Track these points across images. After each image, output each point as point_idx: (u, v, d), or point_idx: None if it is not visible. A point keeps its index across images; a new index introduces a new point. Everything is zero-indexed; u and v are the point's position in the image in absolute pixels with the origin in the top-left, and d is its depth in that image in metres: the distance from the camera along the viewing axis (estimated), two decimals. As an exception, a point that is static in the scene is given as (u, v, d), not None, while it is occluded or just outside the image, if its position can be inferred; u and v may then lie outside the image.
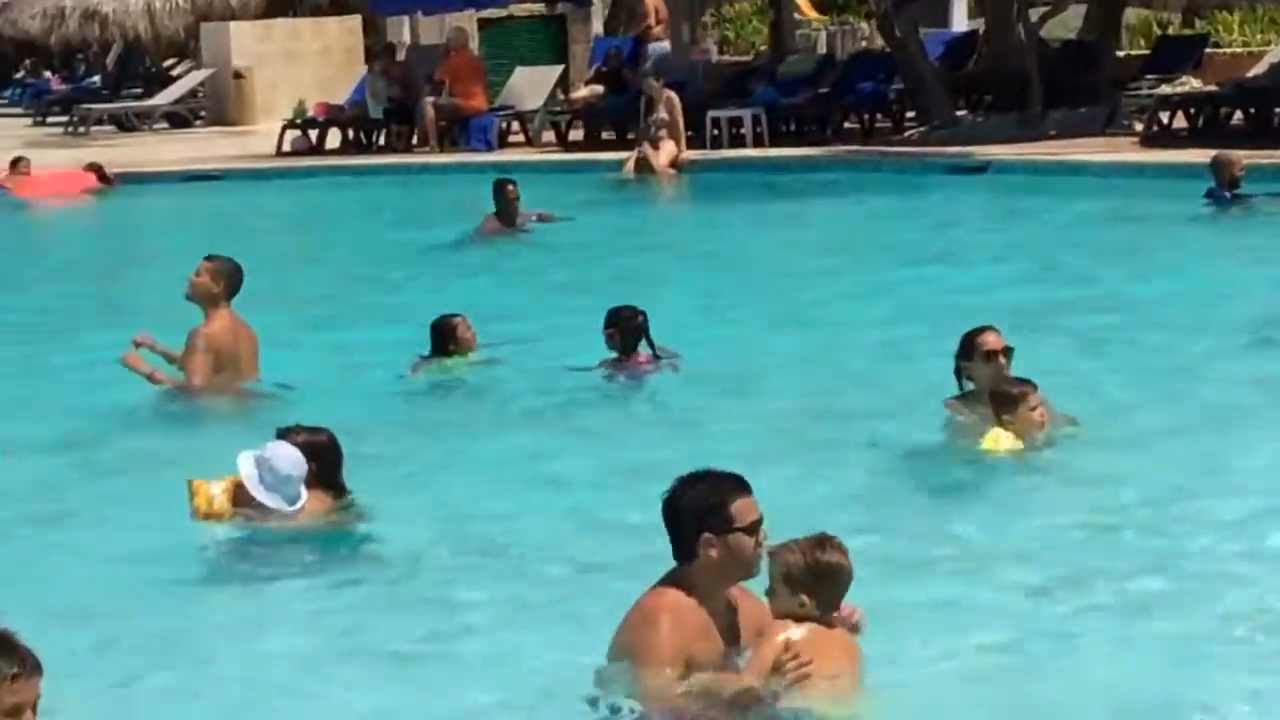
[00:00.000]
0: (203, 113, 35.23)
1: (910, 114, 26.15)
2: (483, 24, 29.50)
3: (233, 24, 35.53)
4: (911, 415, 9.96)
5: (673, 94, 23.63)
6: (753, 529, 5.54)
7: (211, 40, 35.25)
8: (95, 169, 24.28)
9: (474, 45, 28.28)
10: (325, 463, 8.29)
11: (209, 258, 11.19)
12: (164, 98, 35.74)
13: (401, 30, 32.63)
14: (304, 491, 8.20)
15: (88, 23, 37.88)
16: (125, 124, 34.91)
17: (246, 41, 34.58)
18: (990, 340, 9.41)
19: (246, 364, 11.16)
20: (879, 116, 26.40)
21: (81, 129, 34.37)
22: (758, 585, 5.82)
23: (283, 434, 8.33)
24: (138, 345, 11.10)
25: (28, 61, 50.58)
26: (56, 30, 38.63)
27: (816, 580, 5.76)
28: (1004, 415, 9.07)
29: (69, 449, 10.26)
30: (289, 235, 21.59)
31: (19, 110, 42.39)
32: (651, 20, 30.99)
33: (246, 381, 11.14)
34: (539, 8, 31.45)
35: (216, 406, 11.01)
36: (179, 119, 35.18)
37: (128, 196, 23.97)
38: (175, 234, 20.52)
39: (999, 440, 9.08)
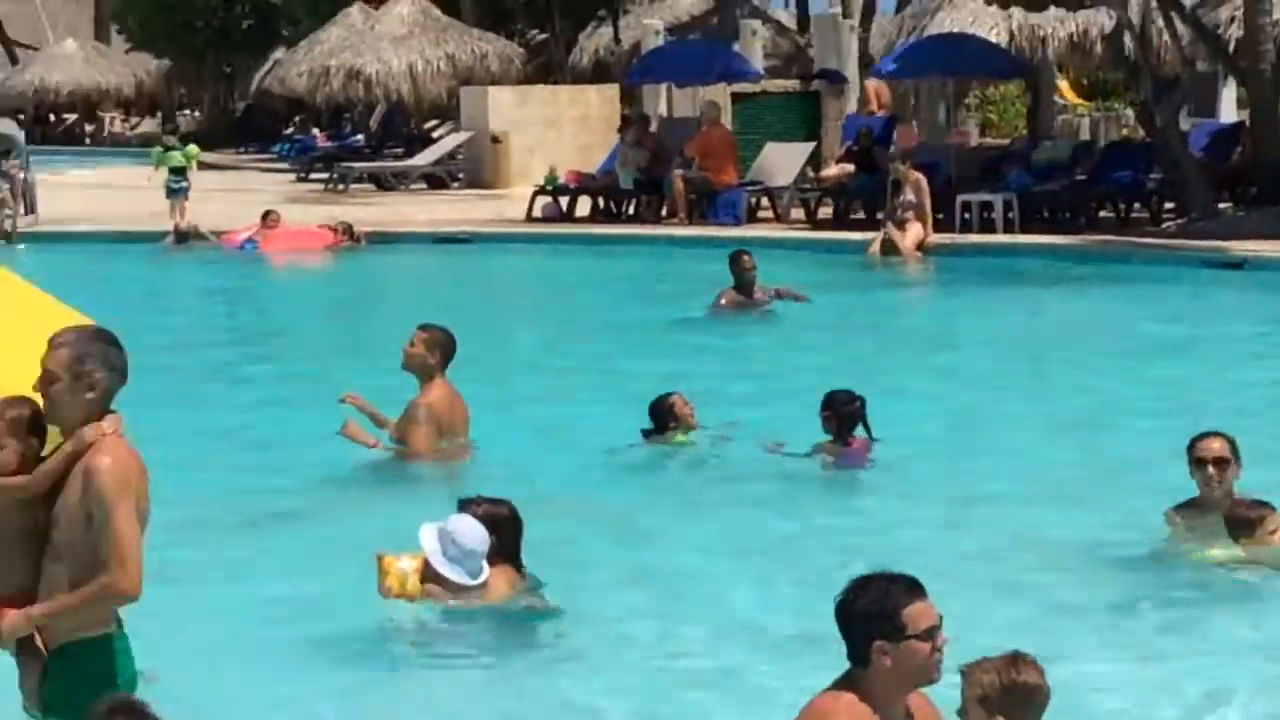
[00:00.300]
0: (460, 174, 35.67)
1: (1169, 205, 25.50)
2: (736, 98, 29.42)
3: (492, 89, 36.00)
4: (1141, 520, 9.53)
5: (920, 176, 23.31)
6: (928, 635, 5.26)
7: (471, 104, 35.73)
8: (344, 227, 24.65)
9: (726, 119, 28.20)
10: (506, 535, 8.17)
11: (423, 327, 11.12)
12: (422, 158, 36.28)
13: (657, 101, 32.71)
14: (486, 566, 8.08)
15: (351, 83, 38.67)
16: (384, 183, 35.49)
17: (505, 106, 34.97)
18: (1204, 448, 8.96)
19: (460, 433, 11.14)
20: (1136, 206, 25.77)
21: (341, 186, 35.01)
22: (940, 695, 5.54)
23: (464, 505, 8.22)
24: (345, 401, 11.13)
25: (298, 118, 51.91)
26: (321, 89, 39.51)
27: (1013, 702, 5.48)
28: (1241, 538, 8.65)
29: (277, 513, 10.27)
30: (527, 301, 21.64)
31: (285, 166, 43.34)
32: (873, 105, 30.75)
33: (459, 450, 11.11)
34: (793, 84, 31.32)
35: (430, 474, 10.96)
36: (436, 180, 35.68)
37: (372, 254, 24.28)
38: (412, 294, 20.72)
39: (1230, 553, 8.67)
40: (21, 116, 50.01)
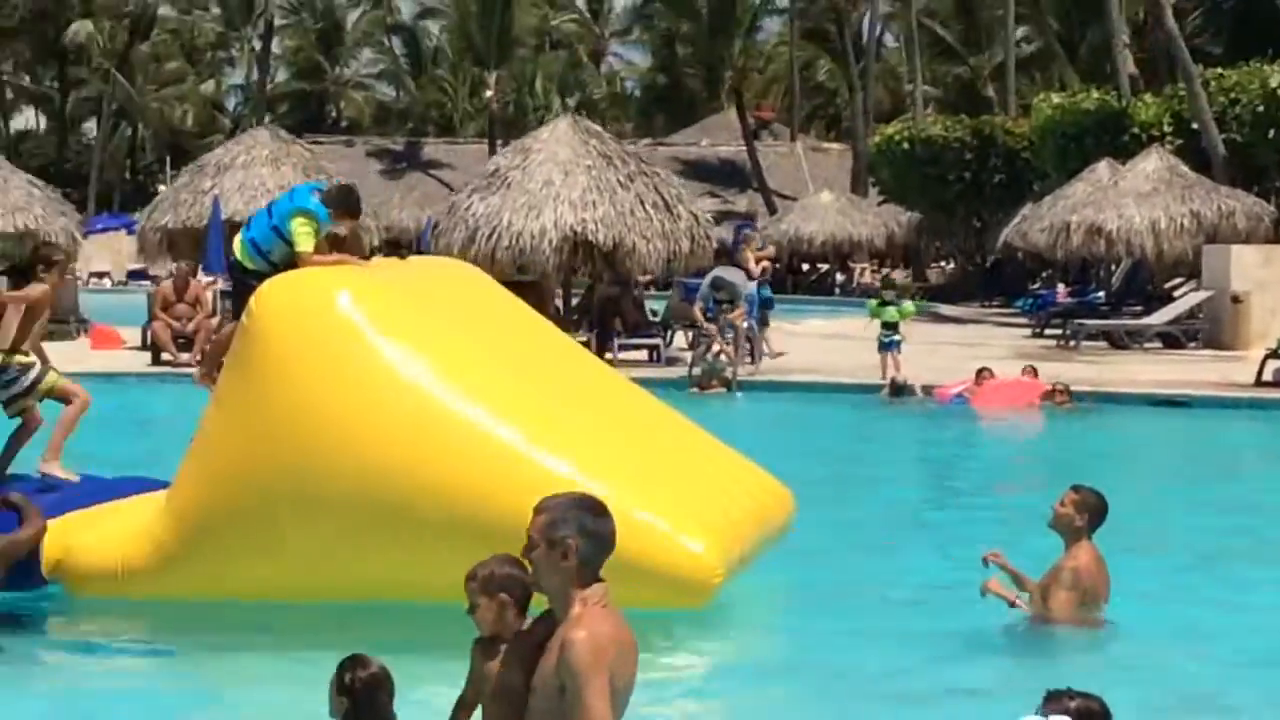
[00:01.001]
0: (1198, 334, 34.34)
1: None
2: None
3: (1235, 247, 34.57)
4: None
5: None
6: None
7: (1213, 261, 34.43)
8: (1061, 387, 24.04)
9: None
10: None
11: (1075, 488, 10.79)
12: (1158, 317, 35.13)
13: None
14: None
15: (1092, 239, 37.91)
16: (1117, 341, 34.54)
17: (1249, 265, 33.53)
18: None
19: (1102, 599, 10.68)
20: None
21: (1072, 343, 34.29)
22: None
23: (1052, 698, 7.47)
24: (987, 562, 10.83)
25: (1045, 274, 51.53)
26: (1061, 244, 38.93)
27: None
28: None
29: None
30: (1237, 474, 20.27)
31: (1024, 320, 42.97)
32: None
33: (1098, 620, 10.66)
34: None
35: (1069, 640, 10.45)
36: (1172, 339, 34.46)
37: (1081, 414, 23.46)
38: (1104, 455, 19.85)
39: None
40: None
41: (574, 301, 32.69)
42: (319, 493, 10.64)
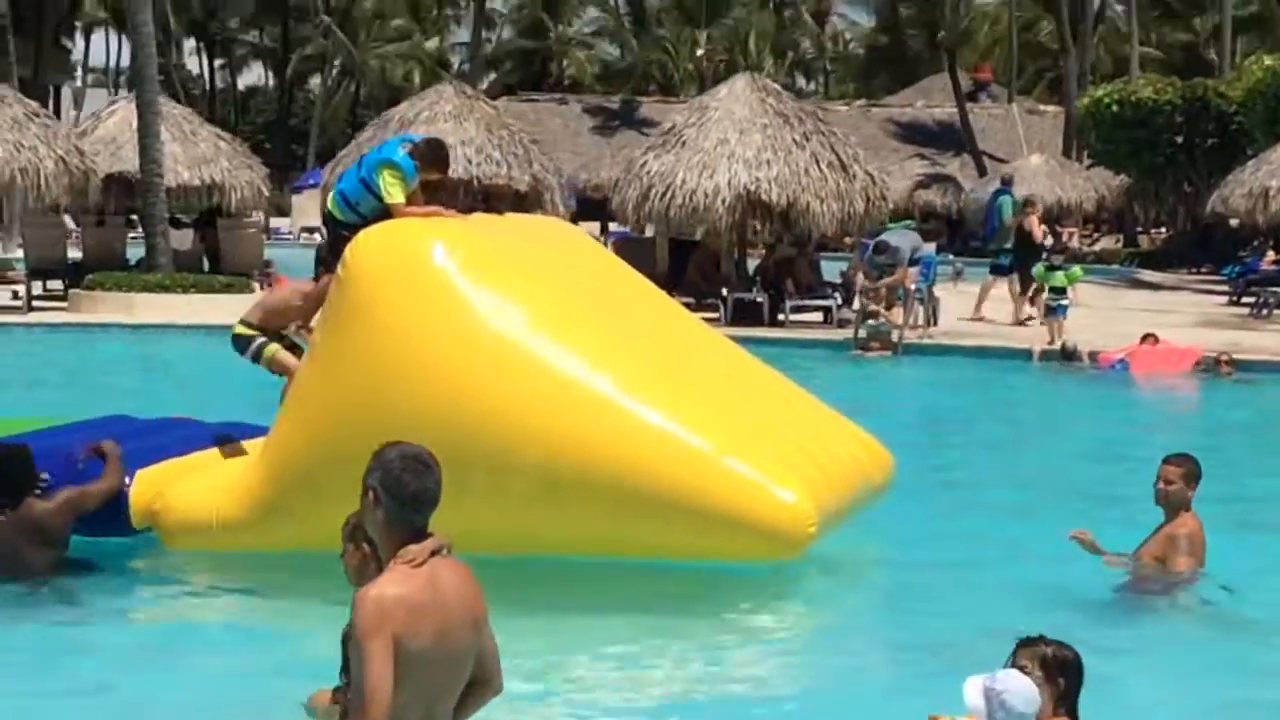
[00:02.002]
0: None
1: None
2: None
3: None
4: None
5: None
6: None
7: None
8: (1225, 357, 23.52)
9: None
10: (1070, 683, 7.21)
11: (1172, 460, 10.80)
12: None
13: None
14: (1035, 731, 7.16)
15: (1283, 202, 36.97)
16: (1313, 311, 33.59)
17: None
18: None
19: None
20: None
21: (1263, 311, 33.43)
22: None
23: (1024, 644, 7.33)
24: (1074, 538, 10.82)
25: (1256, 241, 50.21)
26: (1260, 210, 37.97)
27: None
28: None
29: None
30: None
31: (1225, 288, 41.95)
32: None
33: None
34: None
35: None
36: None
37: (1245, 384, 22.92)
38: (1244, 430, 19.42)
39: None
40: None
41: (750, 262, 32.55)
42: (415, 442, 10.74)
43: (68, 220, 37.41)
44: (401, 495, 5.03)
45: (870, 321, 26.63)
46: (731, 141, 29.79)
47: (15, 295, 29.24)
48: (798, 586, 11.03)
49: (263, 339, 12.68)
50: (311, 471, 10.97)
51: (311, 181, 62.37)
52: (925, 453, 16.91)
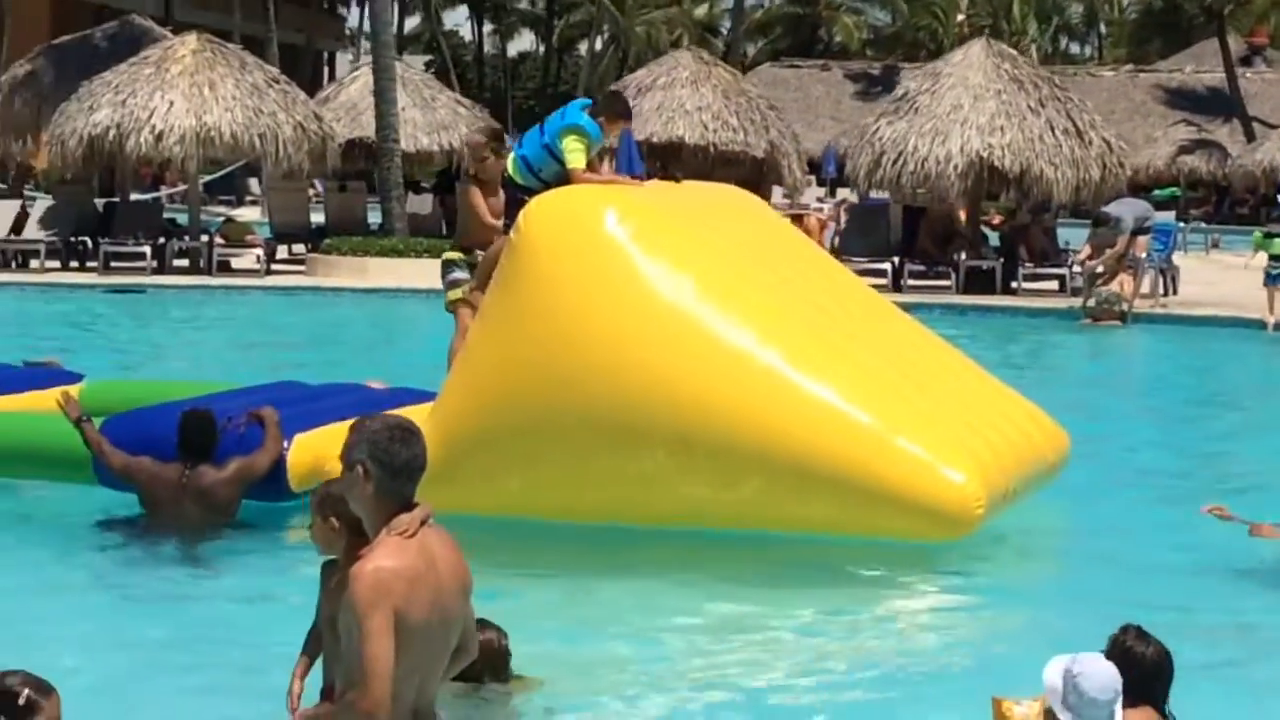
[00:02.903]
0: None
1: None
2: None
3: None
4: None
5: None
6: None
7: None
8: None
9: None
10: (1145, 677, 6.95)
11: None
12: None
13: None
14: (1118, 716, 6.92)
15: None
16: None
17: None
18: None
19: None
20: None
21: None
22: None
23: (1119, 634, 7.08)
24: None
25: None
26: None
27: None
28: None
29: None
30: None
31: None
32: None
33: None
34: None
35: None
36: None
37: None
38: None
39: None
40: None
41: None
42: (582, 410, 10.75)
43: (316, 185, 38.24)
44: (393, 465, 4.99)
45: (1100, 290, 26.05)
46: (965, 107, 29.34)
47: (258, 259, 29.94)
48: (952, 560, 10.83)
49: (459, 273, 12.84)
50: (477, 437, 11.02)
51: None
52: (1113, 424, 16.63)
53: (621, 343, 10.74)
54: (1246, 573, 10.50)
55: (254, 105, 29.54)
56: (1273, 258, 25.02)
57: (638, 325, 10.76)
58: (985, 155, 28.87)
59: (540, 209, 11.24)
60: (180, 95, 29.24)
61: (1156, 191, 59.39)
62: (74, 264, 30.09)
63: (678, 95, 33.01)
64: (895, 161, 29.31)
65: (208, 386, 13.56)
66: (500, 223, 12.31)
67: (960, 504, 10.22)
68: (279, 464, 11.47)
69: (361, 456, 4.97)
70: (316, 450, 11.56)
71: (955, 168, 28.92)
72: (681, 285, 10.88)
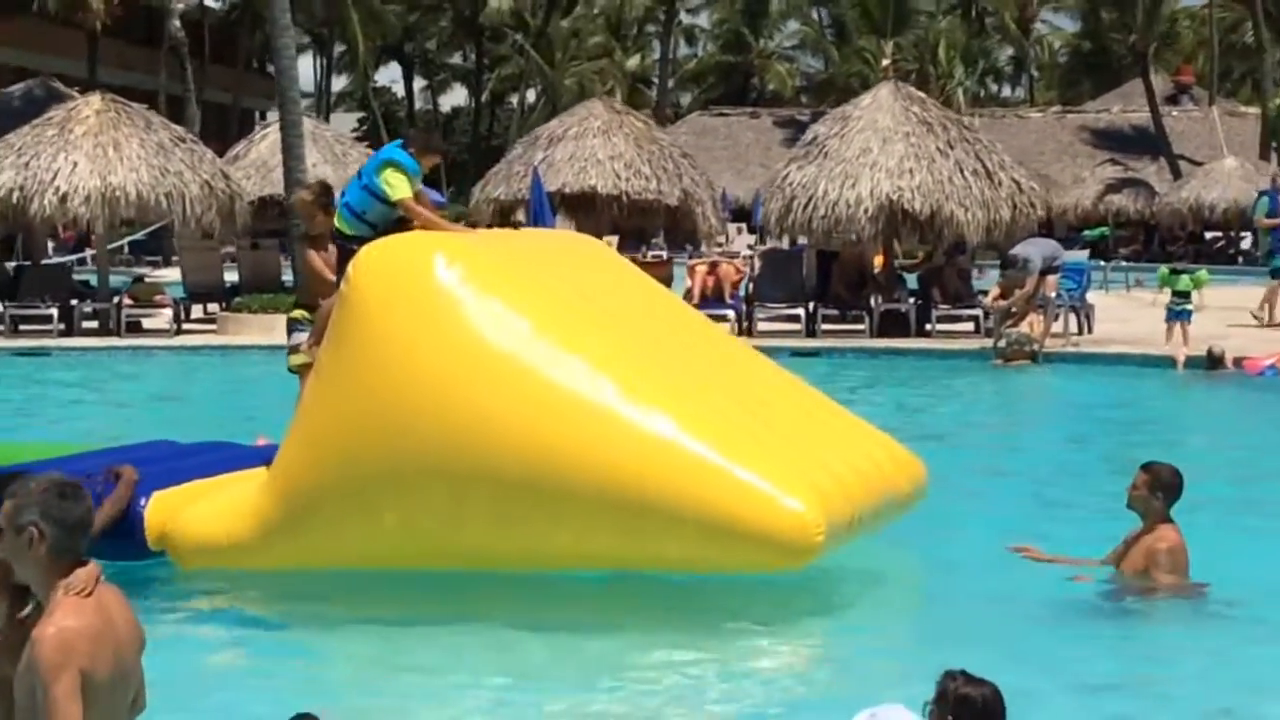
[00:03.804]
0: None
1: None
2: None
3: None
4: None
5: None
6: None
7: None
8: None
9: None
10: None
11: (1145, 467, 10.57)
12: None
13: None
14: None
15: None
16: None
17: None
18: None
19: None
20: None
21: None
22: None
23: (943, 679, 6.90)
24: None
25: None
26: None
27: None
28: None
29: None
30: None
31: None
32: None
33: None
34: None
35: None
36: None
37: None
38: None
39: None
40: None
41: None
42: (417, 461, 10.63)
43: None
44: (67, 522, 4.86)
45: (1010, 331, 26.02)
46: (874, 150, 29.36)
47: (169, 319, 29.68)
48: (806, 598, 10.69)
49: (301, 335, 12.72)
50: (317, 491, 10.93)
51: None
52: (1004, 458, 16.51)
53: (453, 388, 10.63)
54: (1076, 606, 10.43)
55: (160, 165, 29.34)
56: (1175, 294, 25.05)
57: (467, 368, 10.66)
58: (895, 198, 28.87)
59: (368, 258, 11.13)
60: (84, 156, 29.05)
61: (1086, 231, 59.71)
62: (-19, 328, 29.81)
63: (590, 145, 32.95)
64: (806, 206, 29.29)
65: (75, 447, 13.36)
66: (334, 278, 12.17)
67: (800, 531, 10.07)
68: (135, 522, 11.30)
69: (33, 518, 4.83)
70: (174, 507, 11.43)
71: (866, 211, 28.92)
72: (512, 326, 10.77)
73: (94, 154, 29.07)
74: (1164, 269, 27.11)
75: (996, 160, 29.81)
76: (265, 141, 34.93)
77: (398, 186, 11.56)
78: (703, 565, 10.38)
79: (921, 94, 31.71)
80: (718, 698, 9.15)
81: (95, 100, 30.34)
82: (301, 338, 13.02)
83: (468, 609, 10.44)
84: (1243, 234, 57.89)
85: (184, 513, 11.45)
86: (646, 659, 9.65)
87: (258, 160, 34.50)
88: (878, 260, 30.71)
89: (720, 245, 41.34)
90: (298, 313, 13.36)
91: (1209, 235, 59.09)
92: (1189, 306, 25.29)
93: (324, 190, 13.62)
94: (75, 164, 28.93)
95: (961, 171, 29.12)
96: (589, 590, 10.73)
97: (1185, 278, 25.40)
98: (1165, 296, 26.28)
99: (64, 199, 28.75)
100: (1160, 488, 10.31)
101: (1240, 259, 56.26)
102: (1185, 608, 10.31)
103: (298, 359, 12.95)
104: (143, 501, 11.37)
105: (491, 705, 8.79)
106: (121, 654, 4.87)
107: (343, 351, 11.05)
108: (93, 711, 4.70)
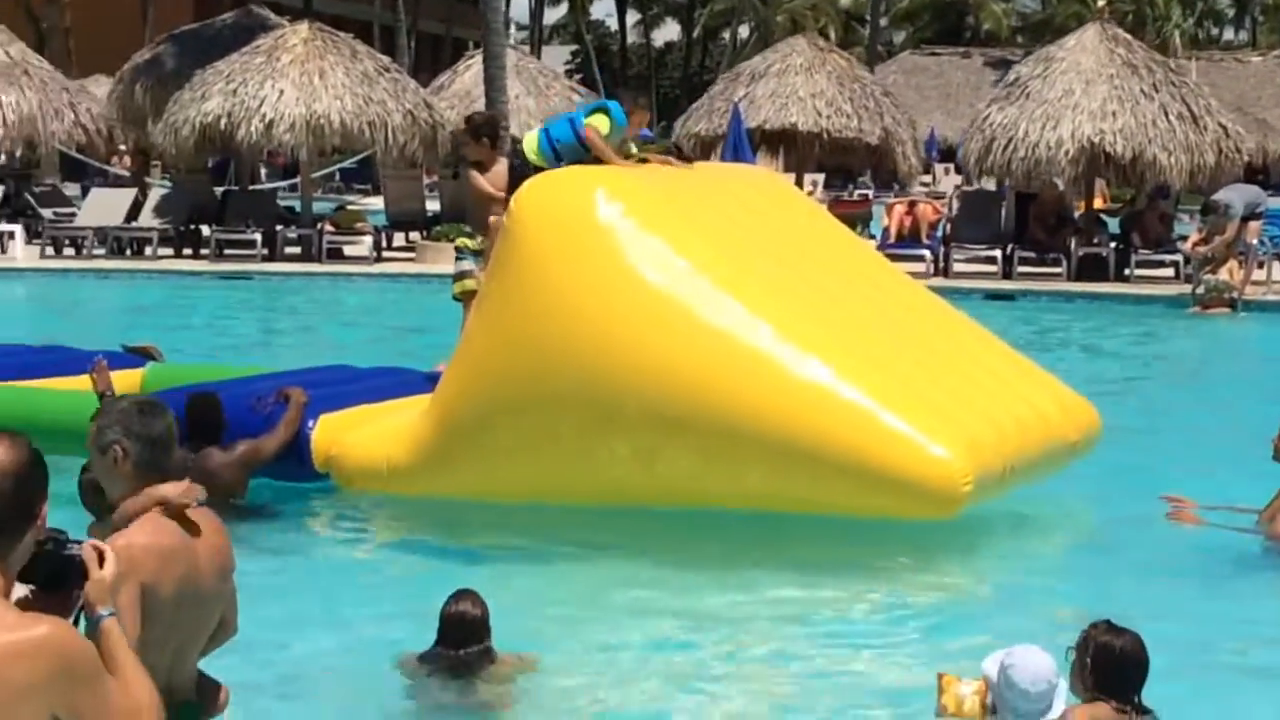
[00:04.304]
0: None
1: None
2: None
3: None
4: None
5: None
6: None
7: None
8: None
9: None
10: (1112, 671, 6.73)
11: None
12: None
13: None
14: (1057, 706, 6.74)
15: None
16: None
17: None
18: None
19: None
20: None
21: None
22: None
23: (1091, 628, 6.85)
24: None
25: None
26: None
27: None
28: None
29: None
30: None
31: None
32: None
33: None
34: None
35: None
36: None
37: None
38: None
39: None
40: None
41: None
42: (572, 395, 10.72)
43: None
44: (149, 436, 4.95)
45: (1208, 278, 25.54)
46: (1076, 93, 28.87)
47: (369, 247, 30.15)
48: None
49: (467, 263, 12.89)
50: (473, 419, 11.05)
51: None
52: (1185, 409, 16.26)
53: (608, 324, 10.68)
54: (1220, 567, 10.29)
55: (364, 94, 29.72)
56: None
57: (624, 304, 10.69)
58: (1097, 141, 28.39)
59: (530, 191, 11.22)
60: (290, 84, 29.50)
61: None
62: (187, 251, 30.47)
63: (792, 82, 32.78)
64: (1006, 148, 28.90)
65: (256, 369, 13.67)
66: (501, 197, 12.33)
67: (946, 481, 10.00)
68: (303, 444, 11.52)
69: (116, 437, 4.94)
70: (340, 431, 11.65)
71: (1066, 153, 28.48)
72: (669, 264, 10.76)
73: (300, 82, 29.52)
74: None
75: (1203, 104, 29.18)
76: (470, 72, 35.17)
77: (595, 119, 11.77)
78: (851, 509, 10.36)
79: (1128, 36, 31.05)
80: (866, 634, 9.18)
81: (303, 29, 30.79)
82: (465, 265, 13.19)
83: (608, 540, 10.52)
84: None
85: (348, 436, 11.64)
86: (793, 596, 9.68)
87: (461, 90, 34.76)
88: (1080, 204, 30.27)
89: (927, 185, 41.03)
90: (461, 240, 13.54)
91: None
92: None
93: (481, 121, 13.82)
94: (281, 91, 29.41)
95: (1166, 115, 28.55)
96: (668, 523, 10.73)
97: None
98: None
99: (270, 126, 29.24)
100: None
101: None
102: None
103: (461, 285, 13.13)
104: (310, 424, 11.59)
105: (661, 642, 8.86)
106: (196, 575, 4.93)
107: (503, 284, 11.14)
108: (155, 625, 4.75)
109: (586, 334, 10.74)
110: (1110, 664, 6.73)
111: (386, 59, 31.75)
